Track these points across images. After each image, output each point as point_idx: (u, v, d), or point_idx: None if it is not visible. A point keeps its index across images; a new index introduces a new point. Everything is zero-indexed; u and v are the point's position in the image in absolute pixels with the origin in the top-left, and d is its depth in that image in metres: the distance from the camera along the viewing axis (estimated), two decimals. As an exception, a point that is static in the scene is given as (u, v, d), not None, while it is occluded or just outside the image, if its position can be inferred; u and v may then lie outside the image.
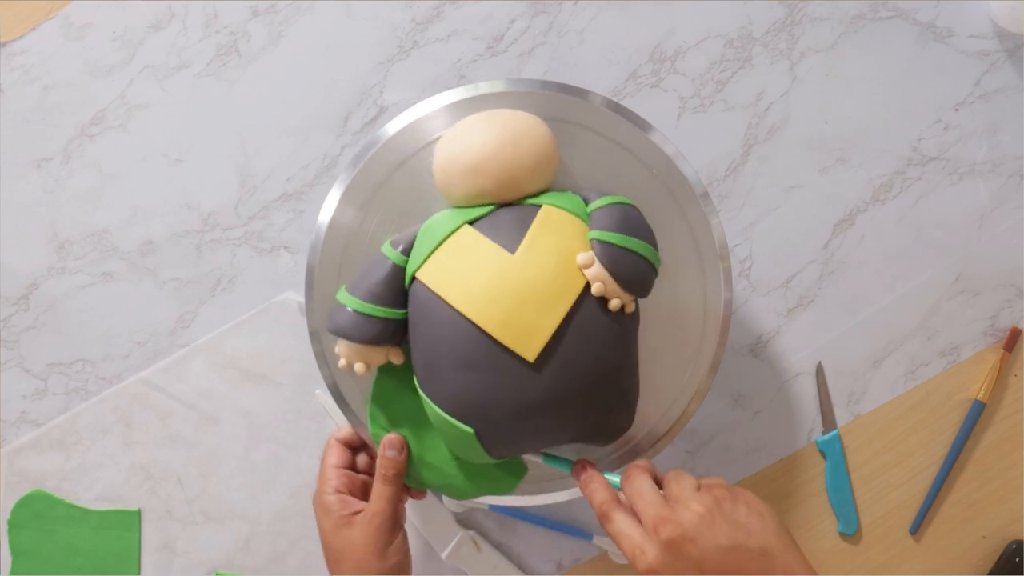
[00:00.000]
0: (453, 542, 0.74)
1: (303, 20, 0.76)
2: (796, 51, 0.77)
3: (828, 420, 0.76)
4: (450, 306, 0.57)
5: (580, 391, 0.57)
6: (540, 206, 0.59)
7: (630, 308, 0.59)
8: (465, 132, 0.60)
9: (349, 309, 0.60)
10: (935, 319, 0.77)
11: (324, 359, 0.65)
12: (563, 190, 0.61)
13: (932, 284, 0.77)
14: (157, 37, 0.76)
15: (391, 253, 0.60)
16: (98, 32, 0.76)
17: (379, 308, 0.59)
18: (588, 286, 0.57)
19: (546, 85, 0.65)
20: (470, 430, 0.58)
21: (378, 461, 0.62)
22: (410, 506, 0.75)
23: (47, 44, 0.76)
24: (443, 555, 0.74)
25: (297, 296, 0.76)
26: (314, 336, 0.65)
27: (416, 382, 0.60)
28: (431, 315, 0.58)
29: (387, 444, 0.62)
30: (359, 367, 0.60)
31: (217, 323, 0.76)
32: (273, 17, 0.76)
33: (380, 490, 0.62)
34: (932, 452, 0.77)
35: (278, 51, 0.76)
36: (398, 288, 0.60)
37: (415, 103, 0.66)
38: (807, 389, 0.77)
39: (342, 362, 0.61)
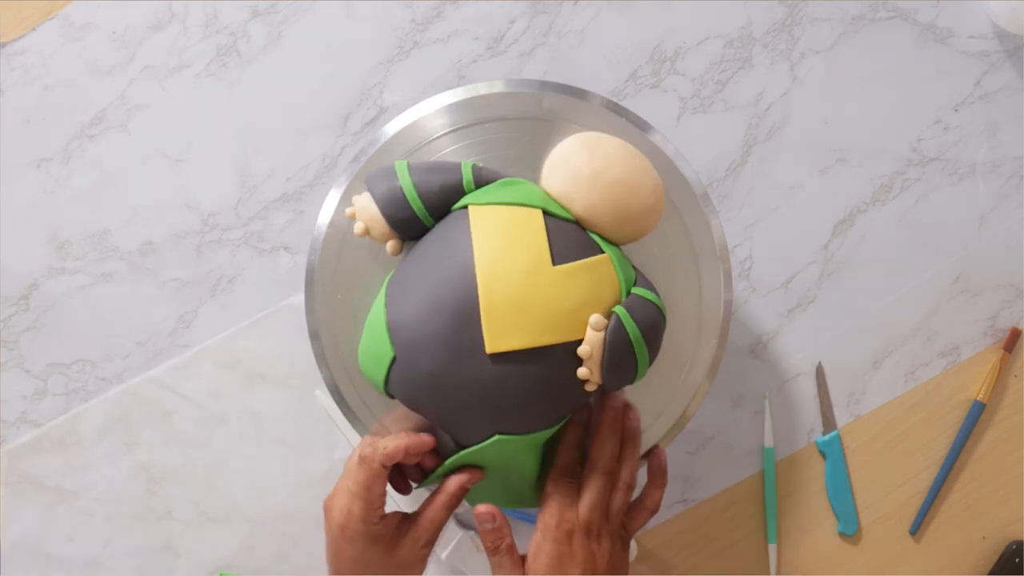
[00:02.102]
0: (453, 542, 0.74)
1: (303, 20, 0.76)
2: (796, 51, 0.77)
3: (828, 420, 0.76)
4: (471, 255, 0.57)
5: (495, 408, 0.57)
6: (603, 252, 0.59)
7: (590, 388, 0.59)
8: (611, 146, 0.60)
9: (398, 182, 0.59)
10: (935, 319, 0.77)
11: (324, 360, 0.65)
12: (628, 257, 0.61)
13: (932, 284, 0.77)
14: (157, 37, 0.76)
15: (467, 174, 0.60)
16: (98, 32, 0.76)
17: (420, 202, 0.59)
18: (580, 341, 0.57)
19: (546, 85, 0.65)
20: (391, 353, 0.58)
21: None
22: (409, 504, 0.75)
23: (47, 44, 0.76)
24: (443, 556, 0.74)
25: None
26: (314, 337, 0.65)
27: (386, 279, 0.60)
28: (450, 246, 0.58)
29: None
30: (359, 227, 0.60)
31: (217, 323, 0.76)
32: (273, 17, 0.76)
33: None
34: (932, 452, 0.77)
35: (278, 51, 0.76)
36: (448, 201, 0.60)
37: (415, 103, 0.66)
38: (807, 389, 0.77)
39: (350, 210, 0.61)
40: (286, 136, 0.76)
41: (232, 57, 0.76)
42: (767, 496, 0.76)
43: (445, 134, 0.65)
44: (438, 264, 0.58)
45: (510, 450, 0.59)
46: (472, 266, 0.57)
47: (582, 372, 0.57)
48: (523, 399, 0.57)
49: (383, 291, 0.60)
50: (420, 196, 0.59)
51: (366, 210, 0.60)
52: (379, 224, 0.60)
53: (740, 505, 0.76)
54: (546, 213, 0.59)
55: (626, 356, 0.58)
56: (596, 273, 0.58)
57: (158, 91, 0.76)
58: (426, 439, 0.61)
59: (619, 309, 0.58)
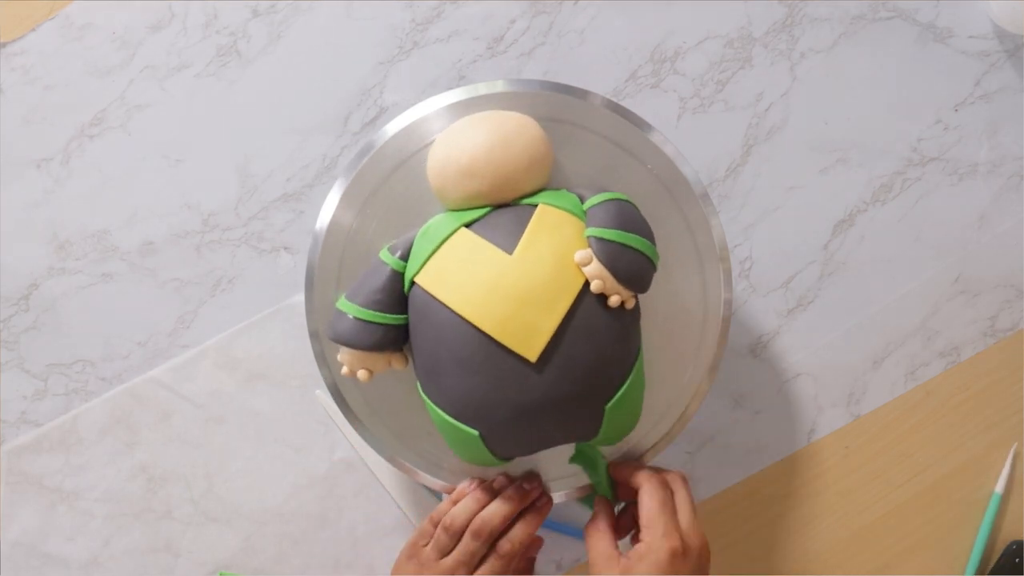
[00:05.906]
0: (453, 542, 0.74)
1: (303, 20, 0.76)
2: (796, 51, 0.77)
3: None
4: (450, 309, 0.57)
5: (583, 390, 0.57)
6: (536, 205, 0.59)
7: (630, 304, 0.59)
8: (457, 135, 0.61)
9: (350, 316, 0.60)
10: (935, 319, 0.77)
11: (324, 360, 0.65)
12: (558, 188, 0.61)
13: (932, 284, 0.77)
14: (157, 37, 0.76)
15: (389, 259, 0.60)
16: (98, 32, 0.76)
17: (379, 314, 0.59)
18: (587, 284, 0.57)
19: (546, 85, 0.65)
20: (475, 432, 0.58)
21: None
22: (410, 505, 0.75)
23: (47, 44, 0.76)
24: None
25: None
26: (314, 336, 0.65)
27: (418, 386, 0.60)
28: (431, 319, 0.58)
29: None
30: (362, 374, 0.60)
31: (217, 323, 0.76)
32: (273, 17, 0.76)
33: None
34: (932, 452, 0.77)
35: (278, 51, 0.76)
36: (398, 293, 0.60)
37: (415, 104, 0.66)
38: (807, 389, 0.77)
39: (345, 369, 0.61)
40: (286, 136, 0.76)
41: (232, 57, 0.76)
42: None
43: (445, 134, 0.65)
44: (437, 340, 0.58)
45: (627, 406, 0.60)
46: (459, 317, 0.57)
47: (612, 301, 0.57)
48: (596, 363, 0.57)
49: (425, 399, 0.60)
50: (375, 309, 0.59)
51: (352, 358, 0.61)
52: (371, 359, 0.61)
53: (739, 505, 0.76)
54: (467, 225, 0.59)
55: (629, 259, 0.58)
56: (547, 225, 0.58)
57: (158, 91, 0.76)
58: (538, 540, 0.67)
59: (589, 231, 0.58)
